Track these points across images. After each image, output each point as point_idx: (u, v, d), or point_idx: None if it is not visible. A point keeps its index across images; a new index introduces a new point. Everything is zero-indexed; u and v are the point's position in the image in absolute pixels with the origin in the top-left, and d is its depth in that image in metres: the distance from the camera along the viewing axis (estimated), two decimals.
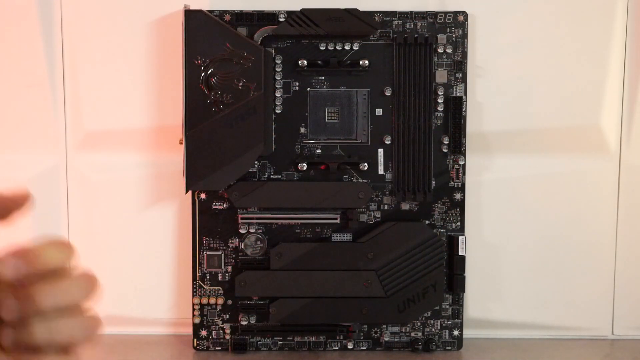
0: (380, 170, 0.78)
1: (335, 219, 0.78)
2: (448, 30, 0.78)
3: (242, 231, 0.78)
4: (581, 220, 0.82)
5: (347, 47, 0.77)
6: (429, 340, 0.79)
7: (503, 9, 0.80)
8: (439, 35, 0.77)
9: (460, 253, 0.78)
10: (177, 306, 0.83)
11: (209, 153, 0.75)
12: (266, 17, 0.77)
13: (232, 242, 0.79)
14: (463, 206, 0.79)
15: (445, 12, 0.77)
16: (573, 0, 0.80)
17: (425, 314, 0.79)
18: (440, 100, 0.77)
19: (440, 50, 0.77)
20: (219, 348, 0.80)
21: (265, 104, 0.76)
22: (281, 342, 0.80)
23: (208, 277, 0.79)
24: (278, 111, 0.78)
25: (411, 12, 0.77)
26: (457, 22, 0.78)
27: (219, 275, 0.79)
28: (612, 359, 0.79)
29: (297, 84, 0.78)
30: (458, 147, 0.78)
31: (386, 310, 0.77)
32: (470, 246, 0.80)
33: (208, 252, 0.79)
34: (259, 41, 0.76)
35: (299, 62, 0.76)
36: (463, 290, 0.79)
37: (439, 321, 0.80)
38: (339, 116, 0.78)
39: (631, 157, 0.82)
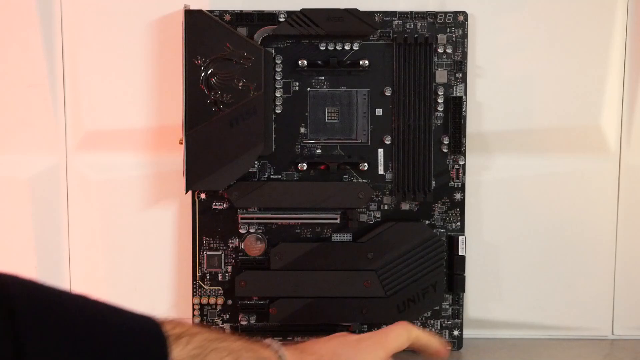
0: (380, 170, 0.78)
1: (335, 219, 0.78)
2: (448, 30, 0.78)
3: (242, 231, 0.78)
4: (581, 220, 0.82)
5: (347, 47, 0.77)
6: None
7: (503, 9, 0.80)
8: (439, 35, 0.77)
9: (460, 253, 0.78)
10: (177, 306, 0.83)
11: (209, 153, 0.75)
12: (266, 17, 0.77)
13: (232, 242, 0.79)
14: (463, 206, 0.79)
15: (445, 12, 0.77)
16: (573, 0, 0.80)
17: (425, 314, 0.79)
18: (440, 100, 0.77)
19: (440, 50, 0.77)
20: None
21: (265, 104, 0.76)
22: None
23: (208, 277, 0.79)
24: (278, 111, 0.78)
25: (411, 12, 0.77)
26: (457, 22, 0.78)
27: (219, 275, 0.79)
28: (612, 359, 0.79)
29: (297, 84, 0.78)
30: (458, 147, 0.78)
31: (386, 310, 0.77)
32: (470, 246, 0.80)
33: (208, 252, 0.79)
34: (259, 41, 0.76)
35: (299, 62, 0.76)
36: (463, 290, 0.79)
37: (439, 321, 0.80)
38: (339, 116, 0.78)
39: (631, 157, 0.82)
